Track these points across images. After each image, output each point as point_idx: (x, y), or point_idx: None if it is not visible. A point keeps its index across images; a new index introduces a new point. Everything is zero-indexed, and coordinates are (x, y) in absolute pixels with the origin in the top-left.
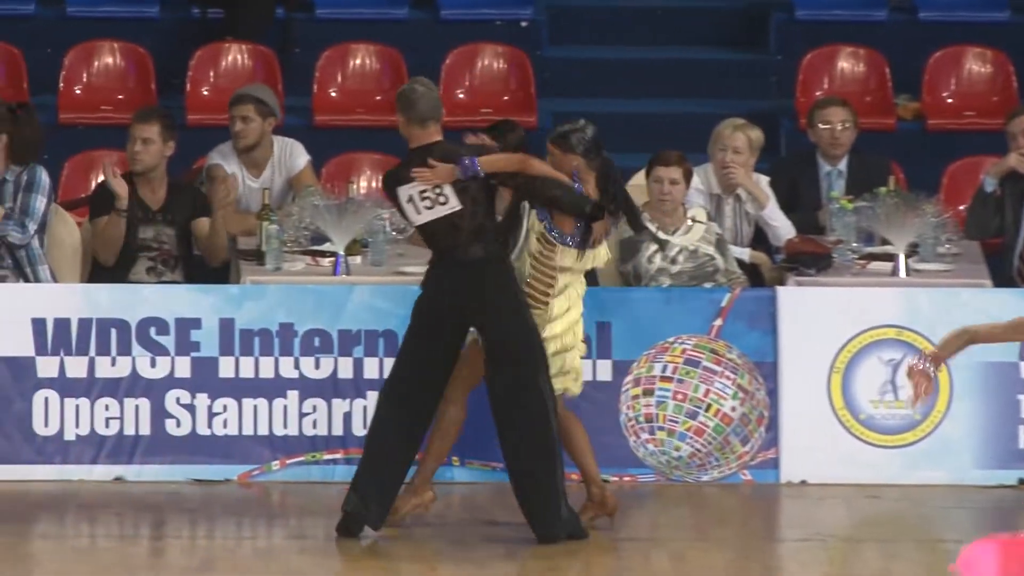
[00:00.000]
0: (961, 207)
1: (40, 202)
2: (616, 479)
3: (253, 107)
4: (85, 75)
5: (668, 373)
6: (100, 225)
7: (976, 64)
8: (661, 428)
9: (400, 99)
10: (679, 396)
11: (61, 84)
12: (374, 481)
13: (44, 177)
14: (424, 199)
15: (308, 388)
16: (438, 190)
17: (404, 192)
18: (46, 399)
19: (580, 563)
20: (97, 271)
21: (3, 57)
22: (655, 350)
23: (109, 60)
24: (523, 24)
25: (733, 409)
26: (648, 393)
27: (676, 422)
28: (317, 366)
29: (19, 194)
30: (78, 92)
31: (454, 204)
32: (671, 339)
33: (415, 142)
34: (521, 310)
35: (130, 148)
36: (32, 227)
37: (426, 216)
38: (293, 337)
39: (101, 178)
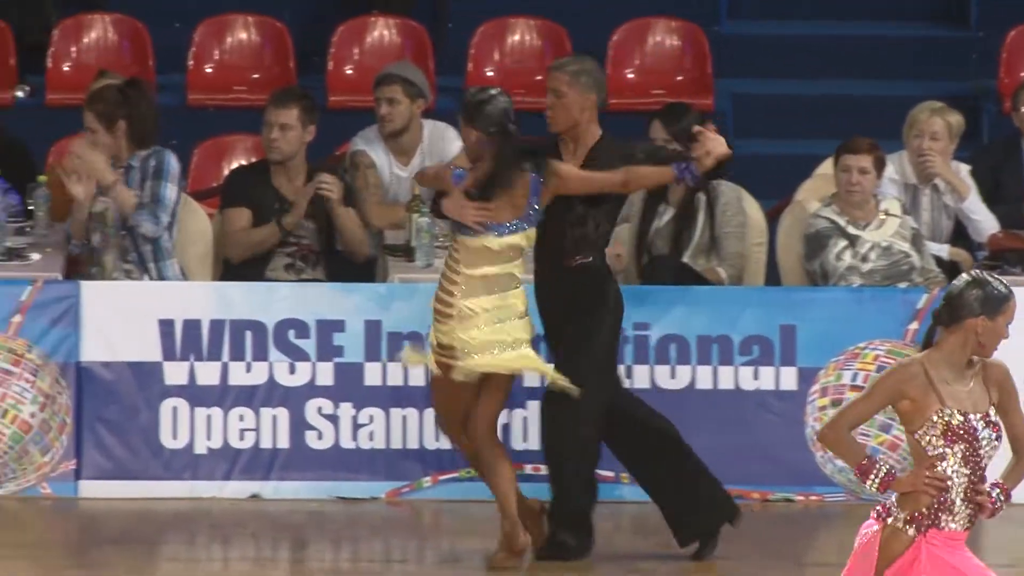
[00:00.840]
0: None
1: (171, 191)
2: (802, 498)
3: (401, 88)
4: (216, 52)
5: (859, 382)
6: (233, 219)
7: None
8: None
9: (594, 77)
10: None
11: (190, 62)
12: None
13: (173, 162)
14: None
15: None
16: None
17: None
18: (174, 408)
19: None
20: (230, 268)
21: (127, 32)
22: (844, 356)
23: (243, 35)
24: None
25: None
26: (836, 404)
27: (867, 436)
28: None
29: (147, 182)
30: (209, 71)
31: None
32: (862, 344)
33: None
34: None
35: (266, 135)
36: (165, 218)
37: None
38: None
39: (234, 164)
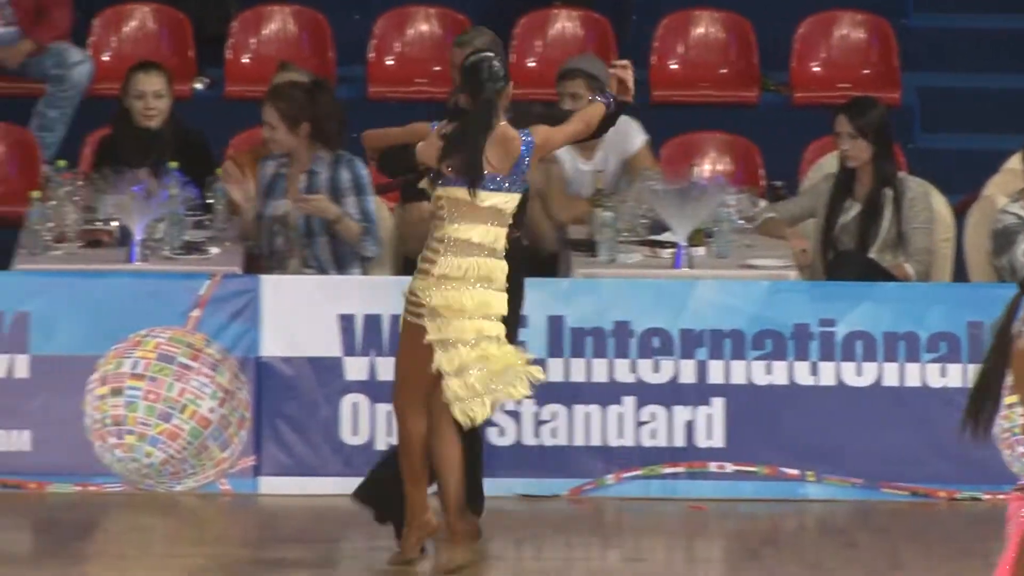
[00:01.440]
0: None
1: (374, 204)
2: (990, 496)
3: (583, 83)
4: (397, 44)
5: None
6: (412, 213)
7: None
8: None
9: (496, 43)
10: None
11: (371, 54)
12: None
13: (366, 173)
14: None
15: (646, 394)
16: None
17: None
18: (355, 404)
19: None
20: (410, 262)
21: (306, 24)
22: None
23: (424, 27)
24: None
25: None
26: None
27: None
28: (656, 369)
29: (349, 198)
30: (389, 63)
31: None
32: None
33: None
34: None
35: None
36: (380, 234)
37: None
38: (629, 337)
39: None
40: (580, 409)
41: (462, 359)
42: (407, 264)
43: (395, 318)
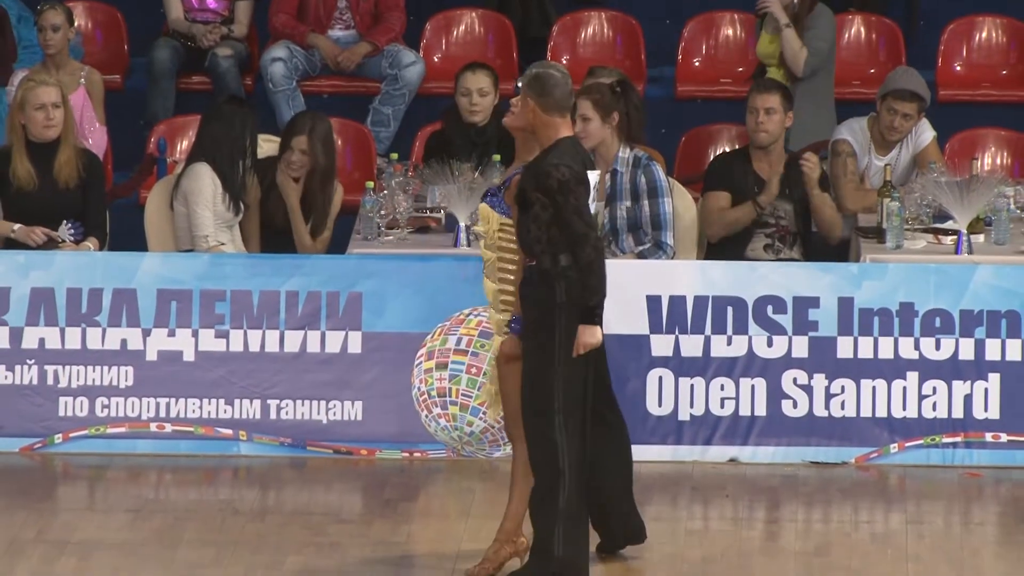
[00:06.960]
0: None
1: (669, 206)
2: None
3: (915, 106)
4: (704, 46)
5: None
6: (712, 202)
7: None
8: None
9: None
10: None
11: (679, 56)
12: None
13: (663, 176)
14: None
15: (928, 369)
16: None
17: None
18: (660, 378)
19: None
20: (713, 247)
21: (620, 28)
22: None
23: (728, 31)
24: None
25: None
26: None
27: None
28: (937, 347)
29: (644, 202)
30: (696, 64)
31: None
32: None
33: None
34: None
35: (751, 120)
36: (670, 237)
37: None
38: (913, 317)
39: (719, 151)
40: (867, 383)
41: None
42: (711, 247)
43: (698, 299)
